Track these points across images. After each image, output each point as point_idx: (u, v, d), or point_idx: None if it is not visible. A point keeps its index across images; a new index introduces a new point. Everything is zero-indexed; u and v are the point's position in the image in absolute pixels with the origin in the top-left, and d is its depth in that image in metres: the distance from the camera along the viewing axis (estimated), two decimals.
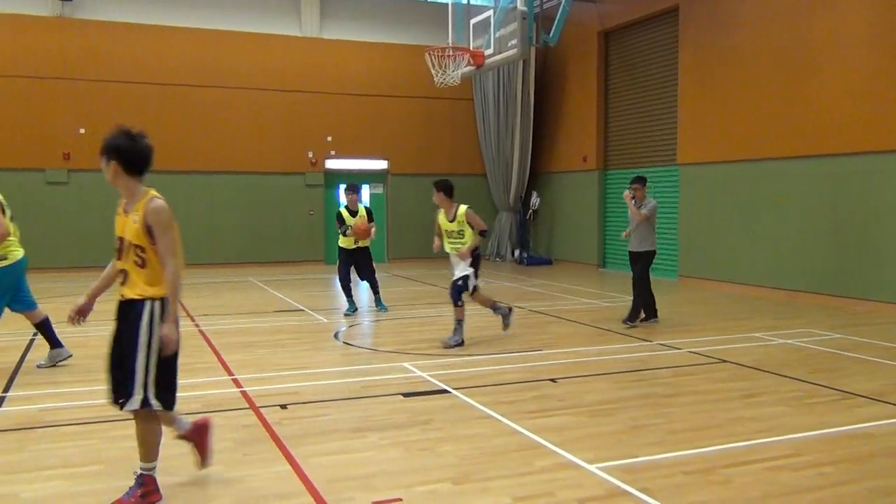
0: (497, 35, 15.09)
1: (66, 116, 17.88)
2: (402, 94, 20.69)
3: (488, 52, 15.24)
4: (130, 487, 4.13)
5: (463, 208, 8.86)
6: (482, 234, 8.86)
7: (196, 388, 6.78)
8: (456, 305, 8.75)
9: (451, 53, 15.20)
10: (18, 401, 6.40)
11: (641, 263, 10.18)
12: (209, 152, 19.05)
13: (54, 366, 7.70)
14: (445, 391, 6.60)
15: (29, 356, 8.23)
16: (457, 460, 4.85)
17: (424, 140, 21.12)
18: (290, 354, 8.34)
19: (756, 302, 12.69)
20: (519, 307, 12.00)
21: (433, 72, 15.35)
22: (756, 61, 13.72)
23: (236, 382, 6.98)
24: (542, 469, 4.69)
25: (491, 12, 15.41)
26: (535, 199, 20.69)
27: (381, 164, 20.88)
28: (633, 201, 10.14)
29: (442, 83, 15.40)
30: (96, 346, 8.59)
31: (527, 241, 20.88)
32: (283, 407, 6.11)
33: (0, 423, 5.72)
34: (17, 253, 7.67)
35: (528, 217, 20.95)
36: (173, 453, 4.98)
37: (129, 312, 4.09)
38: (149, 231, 4.06)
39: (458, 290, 8.76)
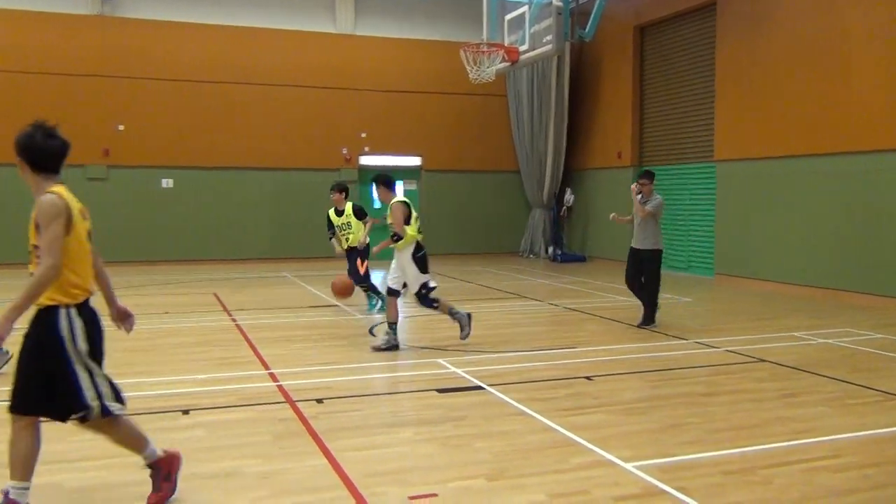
0: (532, 31, 15.01)
1: (105, 113, 18.17)
2: (435, 91, 20.71)
3: (523, 48, 15.16)
4: None
5: (392, 200, 8.38)
6: (393, 238, 8.29)
7: (233, 382, 6.86)
8: (434, 308, 8.40)
9: (485, 49, 15.16)
10: None
11: (651, 265, 9.73)
12: (244, 149, 19.23)
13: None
14: (479, 388, 6.60)
15: None
16: (491, 456, 4.84)
17: (458, 136, 21.11)
18: (324, 349, 8.40)
19: (794, 300, 12.50)
20: (553, 304, 11.96)
21: (468, 68, 15.32)
22: (793, 56, 13.50)
23: (272, 377, 7.05)
24: (578, 466, 4.67)
25: (526, 8, 15.34)
26: (569, 196, 20.58)
27: (414, 161, 20.92)
28: (639, 196, 9.83)
29: (476, 79, 15.37)
30: (133, 340, 8.74)
31: (560, 238, 20.78)
32: (319, 401, 6.15)
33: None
34: None
35: (561, 214, 20.85)
36: (209, 445, 5.06)
37: (42, 320, 3.76)
38: (38, 229, 3.70)
39: (427, 299, 8.32)
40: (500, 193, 21.60)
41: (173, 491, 4.14)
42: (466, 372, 7.18)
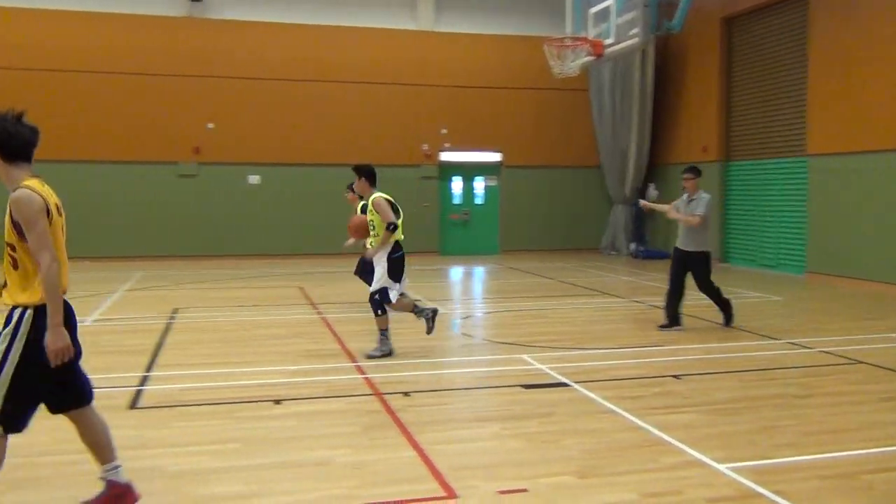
0: (617, 23, 14.79)
1: (195, 112, 18.79)
2: (516, 86, 20.61)
3: (608, 41, 14.96)
4: None
5: (374, 196, 7.86)
6: (390, 227, 7.77)
7: (322, 374, 7.01)
8: (377, 315, 7.72)
9: (569, 44, 15.02)
10: (160, 380, 6.80)
11: (700, 270, 9.18)
12: (327, 145, 19.57)
13: None
14: (565, 384, 6.57)
15: (169, 338, 8.71)
16: (580, 454, 4.82)
17: (538, 132, 20.98)
18: (409, 343, 8.49)
19: (891, 300, 11.96)
20: (636, 301, 11.79)
21: (551, 63, 15.22)
22: (891, 46, 12.89)
23: (359, 369, 7.17)
24: (670, 466, 4.60)
25: (611, 0, 15.13)
26: (652, 191, 20.17)
27: (495, 157, 20.89)
28: (678, 206, 9.29)
29: (560, 74, 15.25)
30: (228, 331, 9.04)
31: (642, 235, 20.43)
32: (406, 395, 6.23)
33: (145, 400, 6.11)
34: None
35: (642, 207, 20.46)
36: (301, 434, 5.19)
37: (8, 318, 3.61)
38: (17, 227, 3.54)
39: (377, 305, 7.71)
40: (580, 189, 21.36)
41: None
42: (551, 368, 7.15)
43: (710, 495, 4.15)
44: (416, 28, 20.25)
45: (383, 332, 7.74)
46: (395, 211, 10.63)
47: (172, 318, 10.04)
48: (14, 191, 3.56)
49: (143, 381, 6.75)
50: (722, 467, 4.55)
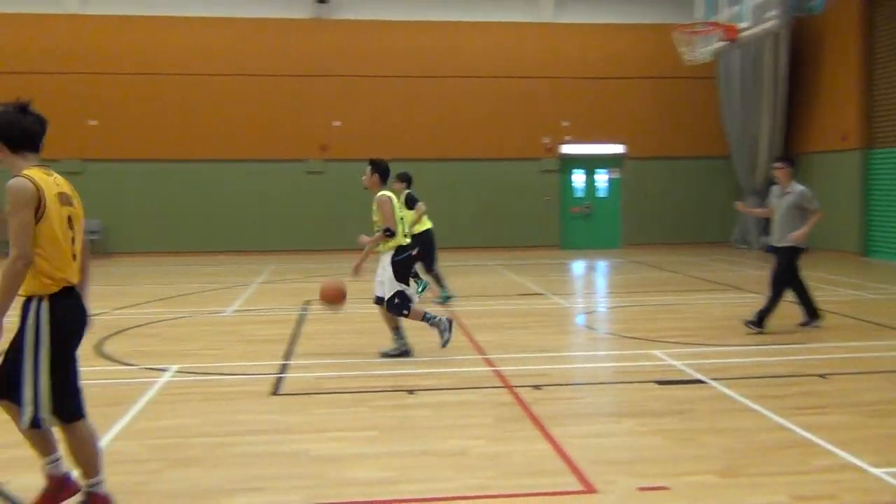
0: (752, 5, 14.15)
1: (322, 111, 19.40)
2: (639, 76, 20.13)
3: (743, 25, 14.33)
4: None
5: (381, 193, 7.42)
6: (387, 233, 7.30)
7: (451, 366, 7.09)
8: (404, 315, 7.34)
9: (700, 30, 14.51)
10: (298, 369, 7.07)
11: (783, 260, 8.44)
12: (449, 139, 19.76)
13: None
14: (701, 381, 6.37)
15: (303, 329, 9.03)
16: (721, 452, 4.66)
17: (663, 122, 20.41)
18: (536, 337, 8.47)
19: None
20: None
21: (681, 50, 14.76)
22: None
23: (488, 362, 7.21)
24: (820, 469, 4.38)
25: None
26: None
27: (617, 149, 20.47)
28: (770, 199, 8.62)
29: (691, 61, 14.76)
30: (359, 322, 9.28)
31: None
32: (537, 387, 6.21)
33: (287, 387, 6.37)
34: None
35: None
36: (436, 424, 5.26)
37: (22, 310, 3.58)
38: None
39: (398, 309, 7.30)
40: (707, 180, 20.63)
41: None
42: (686, 365, 6.94)
43: (867, 501, 3.93)
44: (536, 20, 20.12)
45: (396, 329, 7.42)
46: (412, 206, 10.41)
47: (305, 309, 10.41)
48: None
49: (283, 368, 7.03)
50: (878, 472, 4.29)
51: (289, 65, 19.31)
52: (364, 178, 7.53)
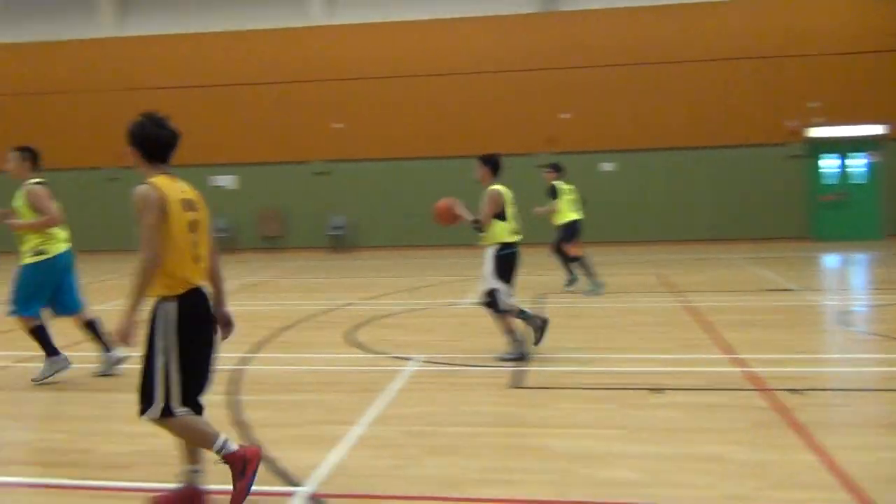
0: None
1: (549, 104, 19.41)
2: None
3: None
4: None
5: (492, 187, 7.18)
6: (475, 225, 7.05)
7: (696, 364, 6.76)
8: (500, 313, 6.99)
9: None
10: (535, 362, 7.04)
11: None
12: (682, 127, 19.02)
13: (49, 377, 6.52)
14: None
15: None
16: None
17: None
18: (789, 336, 7.84)
19: None
20: None
21: None
22: None
23: (736, 362, 6.78)
24: None
25: None
26: None
27: (876, 129, 18.47)
28: None
29: None
30: (595, 318, 9.13)
31: None
32: (797, 391, 5.73)
33: (530, 381, 6.38)
34: (59, 247, 6.53)
35: None
36: (685, 426, 5.00)
37: (151, 312, 3.80)
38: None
39: (493, 306, 6.99)
40: None
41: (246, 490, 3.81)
42: None
43: None
44: None
45: (509, 332, 7.02)
46: (554, 196, 10.94)
47: (539, 303, 10.43)
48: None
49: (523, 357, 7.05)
50: None
51: (516, 60, 19.56)
52: (476, 173, 7.39)
